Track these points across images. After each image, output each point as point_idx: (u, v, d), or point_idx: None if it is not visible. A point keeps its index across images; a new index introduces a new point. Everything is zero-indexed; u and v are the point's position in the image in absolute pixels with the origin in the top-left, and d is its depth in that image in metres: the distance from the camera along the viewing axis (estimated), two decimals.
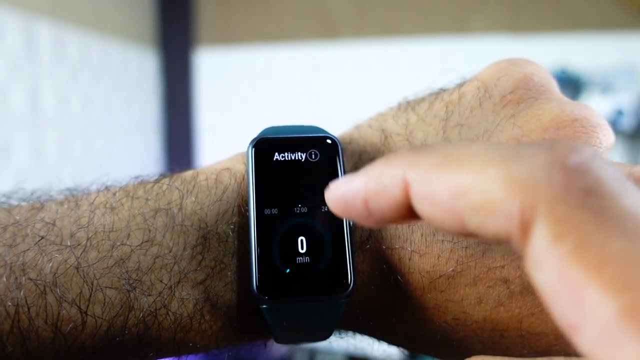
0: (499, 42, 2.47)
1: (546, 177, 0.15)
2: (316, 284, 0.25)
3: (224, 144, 2.65)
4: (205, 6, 2.73)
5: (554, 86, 0.28)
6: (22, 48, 1.84)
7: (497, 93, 0.27)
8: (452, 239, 0.25)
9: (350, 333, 0.29)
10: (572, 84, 2.39)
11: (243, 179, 0.27)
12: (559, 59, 2.39)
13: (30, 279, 0.23)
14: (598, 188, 0.15)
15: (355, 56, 2.59)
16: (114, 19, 2.39)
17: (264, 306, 0.25)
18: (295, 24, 2.67)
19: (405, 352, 0.30)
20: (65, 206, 0.26)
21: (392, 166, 0.19)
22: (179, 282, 0.25)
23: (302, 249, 0.25)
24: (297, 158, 0.27)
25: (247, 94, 2.69)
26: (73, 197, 0.27)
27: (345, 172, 0.27)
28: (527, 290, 0.24)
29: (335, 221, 0.26)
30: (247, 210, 0.26)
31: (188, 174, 0.28)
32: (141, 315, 0.24)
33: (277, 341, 0.27)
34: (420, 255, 0.25)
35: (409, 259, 0.25)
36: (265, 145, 0.27)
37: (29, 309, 0.22)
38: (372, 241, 0.26)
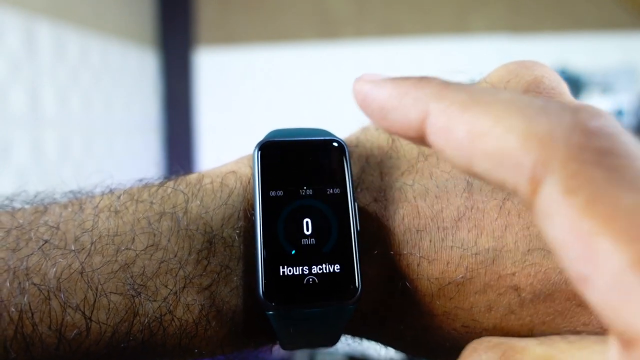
0: (499, 42, 2.47)
1: (564, 137, 0.15)
2: (323, 289, 0.25)
3: (224, 144, 2.65)
4: (205, 6, 2.72)
5: (565, 89, 0.27)
6: (22, 48, 1.83)
7: None
8: (462, 245, 0.24)
9: (357, 339, 0.29)
10: (572, 84, 2.39)
11: (249, 182, 0.27)
12: (559, 59, 2.39)
13: (34, 284, 0.22)
14: (614, 149, 0.15)
15: (355, 56, 2.59)
16: (114, 19, 2.38)
17: (270, 312, 0.24)
18: (295, 24, 2.67)
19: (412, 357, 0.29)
20: (69, 209, 0.25)
21: (419, 90, 0.19)
22: (184, 287, 0.24)
23: None
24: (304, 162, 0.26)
25: (247, 93, 2.68)
26: (77, 200, 0.26)
27: (352, 176, 0.26)
28: (539, 298, 0.23)
29: (342, 227, 0.25)
30: (253, 215, 0.25)
31: (193, 176, 0.28)
32: (146, 321, 0.23)
33: (283, 347, 0.26)
34: (429, 262, 0.25)
35: (418, 265, 0.25)
36: (272, 148, 0.27)
37: (32, 314, 0.22)
38: (379, 246, 0.26)
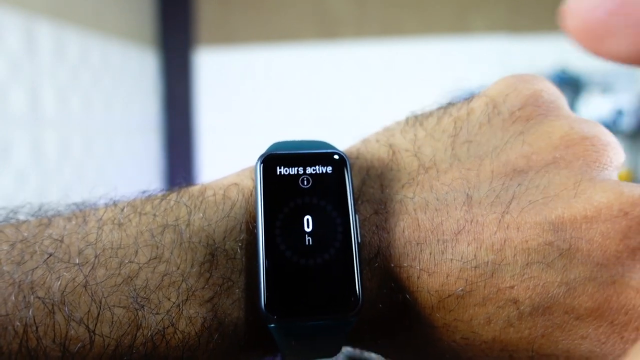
0: (499, 42, 2.47)
1: None
2: (325, 302, 0.25)
3: (224, 144, 2.65)
4: (205, 6, 2.73)
5: (563, 103, 0.27)
6: (22, 48, 1.84)
7: (505, 109, 0.27)
8: (461, 258, 0.24)
9: (357, 349, 0.29)
10: (572, 84, 2.39)
11: (251, 195, 0.27)
12: (559, 59, 2.39)
13: (39, 298, 0.23)
14: None
15: (355, 56, 2.59)
16: (114, 19, 2.39)
17: (272, 325, 0.24)
18: (295, 24, 2.67)
19: None
20: (73, 222, 0.26)
21: None
22: (186, 300, 0.24)
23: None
24: (305, 174, 0.27)
25: (247, 93, 2.68)
26: (80, 213, 0.26)
27: (353, 189, 0.27)
28: (537, 311, 0.24)
29: (343, 240, 0.26)
30: (255, 227, 0.26)
31: (195, 189, 0.28)
32: (149, 334, 0.24)
33: (285, 359, 0.26)
34: (429, 274, 0.25)
35: (418, 278, 0.25)
36: (274, 161, 0.27)
37: (37, 328, 0.22)
38: (380, 259, 0.26)
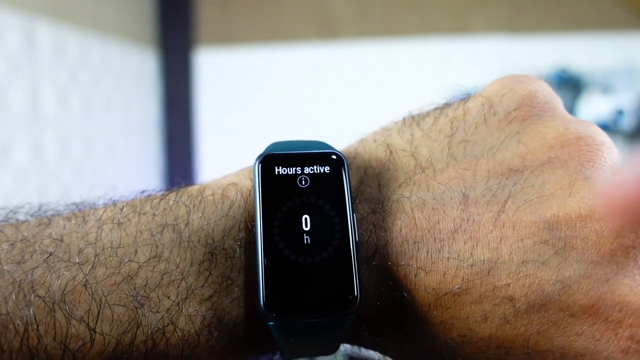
0: (499, 42, 2.47)
1: None
2: (323, 300, 0.25)
3: (224, 144, 2.66)
4: (205, 6, 2.73)
5: (559, 103, 0.28)
6: (22, 48, 1.84)
7: (501, 110, 0.27)
8: (458, 256, 0.25)
9: (355, 347, 0.29)
10: (572, 84, 2.39)
11: (249, 195, 0.28)
12: (559, 59, 2.39)
13: (39, 296, 0.23)
14: None
15: (356, 56, 2.59)
16: (114, 19, 2.39)
17: (271, 323, 0.25)
18: (296, 24, 2.67)
19: None
20: (73, 221, 0.26)
21: None
22: (186, 298, 0.25)
23: None
24: (303, 174, 0.27)
25: (247, 94, 2.69)
26: (80, 212, 0.27)
27: (350, 188, 0.27)
28: (533, 308, 0.24)
29: (341, 238, 0.26)
30: (254, 226, 0.26)
31: (194, 188, 0.28)
32: (149, 332, 0.24)
33: (283, 356, 0.27)
34: (426, 272, 0.25)
35: (415, 276, 0.25)
36: (272, 161, 0.27)
37: (37, 326, 0.22)
38: (378, 257, 0.26)
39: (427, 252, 0.25)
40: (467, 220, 0.25)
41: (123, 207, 0.27)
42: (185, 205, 0.27)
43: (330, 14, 2.63)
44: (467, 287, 0.25)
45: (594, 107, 2.32)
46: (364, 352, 0.30)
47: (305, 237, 0.26)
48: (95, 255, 0.24)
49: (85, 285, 0.24)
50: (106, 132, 2.33)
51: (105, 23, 2.32)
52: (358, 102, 2.49)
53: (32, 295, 0.23)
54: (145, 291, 0.24)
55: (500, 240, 0.24)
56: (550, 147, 0.25)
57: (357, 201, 0.27)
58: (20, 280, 0.23)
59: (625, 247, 0.23)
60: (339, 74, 2.61)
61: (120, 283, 0.24)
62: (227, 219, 0.27)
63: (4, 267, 0.23)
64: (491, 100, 0.28)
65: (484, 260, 0.24)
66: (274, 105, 2.65)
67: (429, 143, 0.28)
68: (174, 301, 0.24)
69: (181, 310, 0.24)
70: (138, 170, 2.56)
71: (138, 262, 0.25)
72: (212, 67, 2.73)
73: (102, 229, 0.25)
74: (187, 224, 0.26)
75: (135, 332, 0.24)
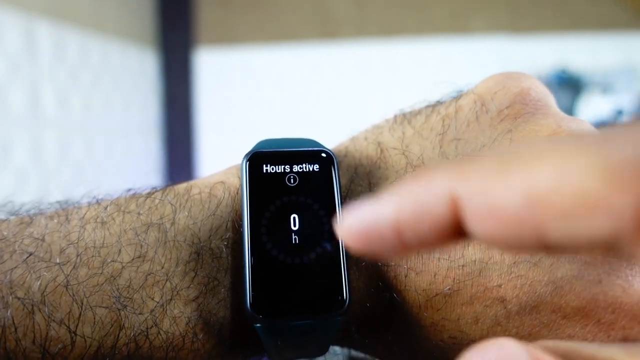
0: (499, 42, 2.46)
1: None
2: (311, 301, 0.25)
3: (224, 144, 2.65)
4: (205, 6, 2.72)
5: (551, 101, 0.27)
6: (22, 48, 1.83)
7: (494, 107, 0.27)
8: (449, 257, 0.24)
9: (345, 349, 0.29)
10: (572, 84, 2.39)
11: (237, 193, 0.27)
12: (559, 59, 2.38)
13: (18, 298, 0.22)
14: None
15: (355, 56, 2.59)
16: (114, 19, 2.38)
17: (258, 325, 0.24)
18: (296, 24, 2.67)
19: None
20: (55, 220, 0.25)
21: (431, 182, 0.15)
22: (171, 299, 0.24)
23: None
24: (292, 172, 0.26)
25: (247, 94, 2.68)
26: (63, 211, 0.26)
27: (340, 187, 0.26)
28: (524, 310, 0.24)
29: (330, 238, 0.25)
30: (241, 226, 0.25)
31: (181, 187, 0.28)
32: (132, 334, 0.23)
33: (271, 359, 0.26)
34: (417, 273, 0.25)
35: (405, 277, 0.25)
36: (260, 159, 0.26)
37: (16, 329, 0.22)
38: (367, 258, 0.26)
39: (418, 253, 0.25)
40: None
41: (107, 206, 0.26)
42: (172, 204, 0.26)
43: (330, 14, 2.63)
44: (458, 288, 0.24)
45: (594, 107, 2.32)
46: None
47: (293, 237, 0.25)
48: (77, 255, 0.24)
49: (66, 287, 0.23)
50: (106, 132, 2.33)
51: (105, 23, 2.32)
52: (358, 102, 2.48)
53: (11, 297, 0.22)
54: (128, 292, 0.24)
55: None
56: None
57: (348, 200, 0.27)
58: None
59: None
60: (339, 74, 2.60)
61: (102, 284, 0.24)
62: (214, 218, 0.26)
63: None
64: (483, 97, 0.27)
65: (475, 261, 0.24)
66: (274, 105, 2.65)
67: (421, 141, 0.28)
68: (158, 302, 0.24)
69: (165, 312, 0.24)
70: (138, 170, 2.56)
71: (121, 262, 0.24)
72: (212, 67, 2.73)
73: (85, 228, 0.25)
74: (172, 223, 0.26)
75: (118, 335, 0.23)
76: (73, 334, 0.23)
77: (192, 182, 0.28)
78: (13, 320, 0.22)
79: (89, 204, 0.27)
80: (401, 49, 2.56)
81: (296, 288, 0.25)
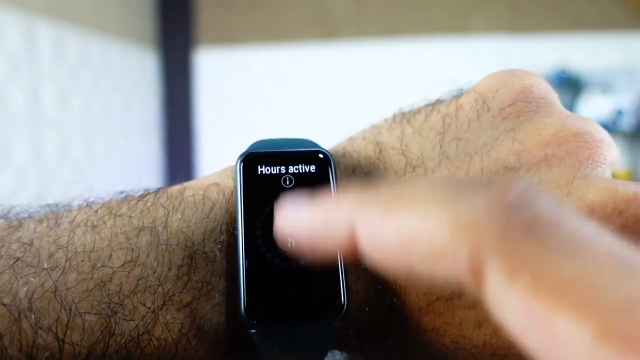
0: (499, 42, 2.46)
1: (487, 216, 0.14)
2: (308, 306, 0.24)
3: (224, 144, 2.65)
4: (205, 6, 2.72)
5: (555, 98, 0.26)
6: (22, 48, 1.83)
7: (495, 105, 0.26)
8: None
9: (344, 354, 0.28)
10: (572, 84, 2.39)
11: (232, 195, 0.26)
12: (559, 59, 2.38)
13: (4, 305, 0.22)
14: (537, 218, 0.14)
15: (355, 56, 2.59)
16: (114, 19, 2.38)
17: (253, 330, 0.24)
18: (296, 24, 2.67)
19: None
20: (44, 224, 0.24)
21: (340, 207, 0.18)
22: (163, 305, 0.23)
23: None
24: (288, 173, 0.26)
25: (247, 94, 2.68)
26: (53, 215, 0.25)
27: (337, 188, 0.26)
28: None
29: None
30: (236, 229, 0.25)
31: (175, 189, 0.27)
32: (122, 341, 0.23)
33: None
34: None
35: (405, 280, 0.24)
36: (255, 160, 0.26)
37: (1, 337, 0.21)
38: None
39: None
40: None
41: (98, 209, 0.25)
42: (164, 207, 0.25)
43: (330, 14, 2.63)
44: (459, 292, 0.24)
45: (594, 107, 2.32)
46: None
47: (289, 241, 0.25)
48: (67, 260, 0.23)
49: (54, 293, 0.22)
50: (106, 132, 2.33)
51: (105, 23, 2.32)
52: (357, 102, 2.48)
53: None
54: (119, 298, 0.23)
55: None
56: (547, 144, 0.24)
57: None
58: None
59: None
60: (339, 74, 2.60)
61: (92, 289, 0.23)
62: (208, 221, 0.25)
63: None
64: (485, 95, 0.27)
65: None
66: (273, 105, 2.65)
67: (420, 141, 0.27)
68: (149, 308, 0.23)
69: (157, 318, 0.23)
70: (138, 170, 2.55)
71: (112, 267, 0.23)
72: (212, 67, 2.73)
73: (74, 232, 0.24)
74: (165, 227, 0.25)
75: (108, 342, 0.22)
76: (61, 342, 0.22)
77: (185, 184, 0.27)
78: None
79: (80, 207, 0.26)
80: (401, 49, 2.56)
81: (292, 293, 0.24)
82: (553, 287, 0.13)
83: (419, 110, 0.28)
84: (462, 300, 0.24)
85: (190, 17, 2.72)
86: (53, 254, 0.23)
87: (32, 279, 0.22)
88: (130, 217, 0.25)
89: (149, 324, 0.23)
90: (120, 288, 0.23)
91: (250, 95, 2.67)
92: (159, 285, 0.23)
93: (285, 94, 2.64)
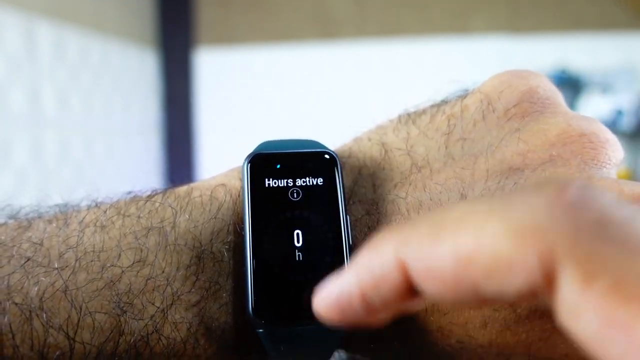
0: (499, 42, 2.46)
1: (551, 219, 0.14)
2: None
3: (224, 144, 2.65)
4: (205, 6, 2.72)
5: (560, 99, 0.27)
6: (22, 48, 1.83)
7: (500, 106, 0.26)
8: None
9: (350, 354, 0.28)
10: (572, 84, 2.38)
11: (239, 196, 0.26)
12: (559, 59, 2.38)
13: (15, 304, 0.22)
14: (608, 218, 0.14)
15: (355, 56, 2.59)
16: (114, 19, 2.38)
17: (260, 330, 0.24)
18: (295, 24, 2.66)
19: None
20: (54, 224, 0.25)
21: (380, 250, 0.17)
22: (172, 304, 0.24)
23: None
24: (295, 186, 0.26)
25: (247, 94, 2.68)
26: (62, 215, 0.26)
27: (344, 189, 0.26)
28: (535, 314, 0.23)
29: (334, 241, 0.25)
30: (243, 229, 0.25)
31: (182, 189, 0.27)
32: (132, 340, 0.23)
33: None
34: None
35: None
36: (262, 161, 0.26)
37: (13, 335, 0.21)
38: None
39: None
40: None
41: (107, 210, 0.25)
42: (172, 207, 0.26)
43: (330, 14, 2.63)
44: None
45: (594, 107, 2.32)
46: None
47: (297, 254, 0.25)
48: (76, 260, 0.23)
49: (64, 292, 0.22)
50: (106, 132, 2.33)
51: (105, 23, 2.31)
52: (358, 102, 2.48)
53: (8, 303, 0.22)
54: (128, 297, 0.23)
55: None
56: (552, 144, 0.24)
57: (351, 202, 0.26)
58: None
59: None
60: (339, 74, 2.60)
61: (102, 289, 0.23)
62: (216, 222, 0.26)
63: None
64: (490, 96, 0.27)
65: None
66: (274, 105, 2.65)
67: (426, 141, 0.27)
68: (158, 307, 0.23)
69: (166, 317, 0.23)
70: (138, 170, 2.55)
71: (121, 267, 0.24)
72: (212, 67, 2.72)
73: (84, 232, 0.24)
74: (173, 227, 0.25)
75: (118, 341, 0.23)
76: (72, 341, 0.22)
77: (192, 185, 0.27)
78: (10, 327, 0.21)
79: (89, 208, 0.26)
80: (401, 49, 2.55)
81: (299, 292, 0.24)
82: (637, 291, 0.12)
83: (424, 111, 0.28)
84: None
85: (190, 17, 2.72)
86: (63, 254, 0.23)
87: (43, 279, 0.22)
88: (138, 217, 0.25)
89: (158, 323, 0.23)
90: (130, 288, 0.23)
91: (250, 95, 2.66)
92: (167, 285, 0.24)
93: (286, 94, 2.64)
